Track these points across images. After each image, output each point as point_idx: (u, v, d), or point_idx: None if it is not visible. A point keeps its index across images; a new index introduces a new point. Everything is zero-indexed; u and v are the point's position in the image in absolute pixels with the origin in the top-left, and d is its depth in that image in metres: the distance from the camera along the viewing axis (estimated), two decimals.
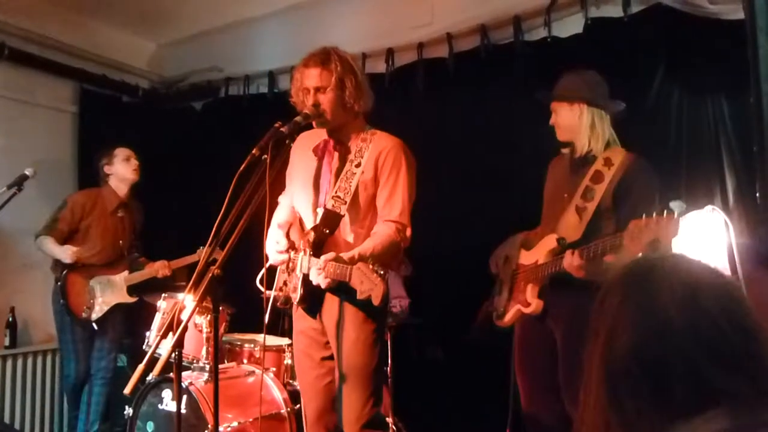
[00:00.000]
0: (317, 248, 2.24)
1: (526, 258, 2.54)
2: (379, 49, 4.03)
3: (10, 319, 4.12)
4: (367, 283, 2.01)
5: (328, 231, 2.27)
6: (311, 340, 2.37)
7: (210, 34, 4.90)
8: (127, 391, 1.77)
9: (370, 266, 2.03)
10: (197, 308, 1.84)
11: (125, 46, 5.00)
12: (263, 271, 2.35)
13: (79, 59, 4.66)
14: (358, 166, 2.31)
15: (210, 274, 1.81)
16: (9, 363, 4.09)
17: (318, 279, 2.16)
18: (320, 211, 2.32)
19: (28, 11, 4.29)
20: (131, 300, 3.66)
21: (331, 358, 2.34)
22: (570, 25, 3.44)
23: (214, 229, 1.88)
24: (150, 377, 2.86)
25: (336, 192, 2.30)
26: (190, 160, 4.83)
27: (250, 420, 2.86)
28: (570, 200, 2.41)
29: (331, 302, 2.29)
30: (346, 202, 2.27)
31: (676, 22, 3.02)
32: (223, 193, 1.92)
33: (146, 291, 3.72)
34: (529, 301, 2.43)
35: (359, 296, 2.04)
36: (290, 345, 3.23)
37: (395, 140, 2.37)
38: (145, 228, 4.00)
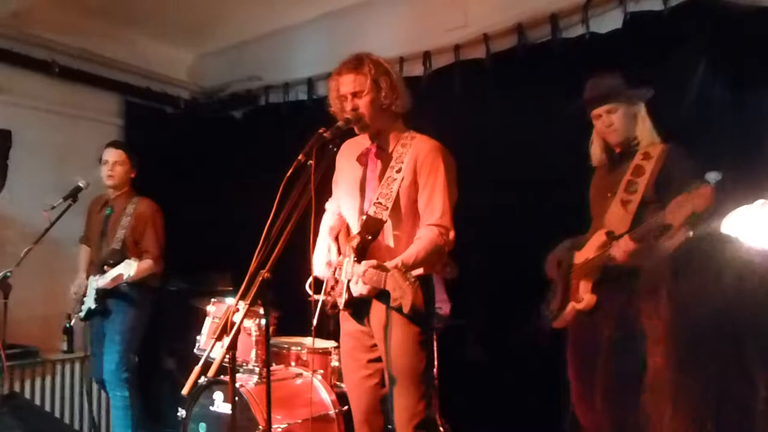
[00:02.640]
0: (360, 254, 2.26)
1: (578, 257, 2.59)
2: (416, 53, 4.05)
3: (67, 325, 4.29)
4: (398, 291, 2.03)
5: (370, 237, 2.29)
6: (358, 342, 2.40)
7: (248, 43, 4.99)
8: (184, 391, 1.84)
9: (403, 273, 2.05)
10: (248, 311, 1.89)
11: (166, 59, 5.15)
12: (311, 277, 2.40)
13: (124, 73, 4.82)
14: (398, 171, 2.33)
15: (260, 278, 1.87)
16: (67, 367, 4.26)
17: (357, 287, 2.18)
18: (364, 217, 2.34)
19: (75, 29, 4.47)
20: (94, 306, 3.49)
21: (377, 360, 2.37)
22: (608, 21, 3.40)
23: (263, 233, 1.93)
24: (202, 379, 2.93)
25: (378, 198, 2.32)
26: (231, 168, 4.93)
27: (299, 421, 2.91)
28: (614, 197, 2.48)
29: (377, 307, 2.31)
30: (387, 208, 2.29)
31: (719, 14, 2.96)
32: (266, 199, 1.98)
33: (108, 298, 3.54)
34: (582, 296, 2.47)
35: (392, 303, 2.07)
36: (337, 347, 3.28)
37: (433, 143, 2.38)
38: (174, 236, 3.87)
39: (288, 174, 2.00)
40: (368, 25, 4.29)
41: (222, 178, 4.92)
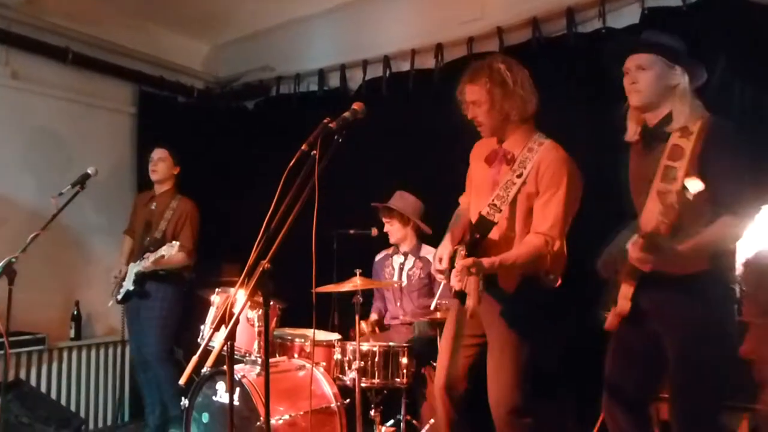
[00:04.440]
0: (471, 250, 2.36)
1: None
2: (429, 45, 4.02)
3: (75, 313, 4.31)
4: (469, 296, 2.21)
5: (479, 236, 2.38)
6: (464, 316, 2.44)
7: (262, 34, 4.99)
8: (182, 381, 1.82)
9: (478, 281, 2.19)
10: (248, 301, 1.87)
11: (181, 48, 5.15)
12: (447, 258, 2.45)
13: (138, 62, 4.83)
14: (519, 176, 2.38)
15: (260, 268, 1.85)
16: (74, 354, 4.28)
17: (454, 279, 2.32)
18: (478, 217, 2.43)
19: (90, 16, 4.48)
20: (132, 287, 3.75)
21: (479, 336, 2.48)
22: (626, 16, 3.35)
23: (264, 224, 1.91)
24: (205, 370, 2.93)
25: (494, 200, 2.39)
26: (241, 158, 4.93)
27: (301, 413, 2.90)
28: (650, 185, 2.07)
29: (486, 296, 2.34)
30: (501, 210, 2.37)
31: (738, 10, 2.89)
32: (275, 190, 1.96)
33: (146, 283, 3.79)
34: (620, 300, 2.19)
35: (465, 305, 2.25)
36: (340, 340, 3.26)
37: (559, 153, 2.39)
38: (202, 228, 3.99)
39: (290, 164, 1.98)
40: (381, 17, 4.26)
41: (233, 167, 4.93)
